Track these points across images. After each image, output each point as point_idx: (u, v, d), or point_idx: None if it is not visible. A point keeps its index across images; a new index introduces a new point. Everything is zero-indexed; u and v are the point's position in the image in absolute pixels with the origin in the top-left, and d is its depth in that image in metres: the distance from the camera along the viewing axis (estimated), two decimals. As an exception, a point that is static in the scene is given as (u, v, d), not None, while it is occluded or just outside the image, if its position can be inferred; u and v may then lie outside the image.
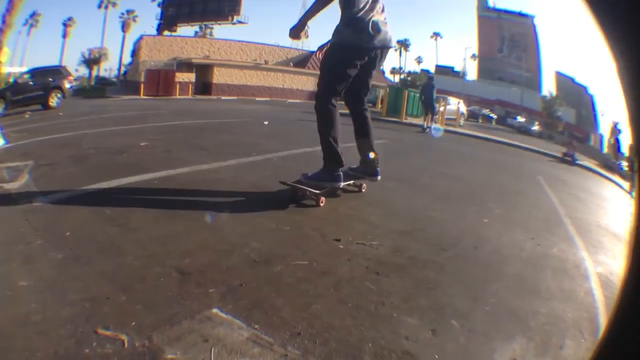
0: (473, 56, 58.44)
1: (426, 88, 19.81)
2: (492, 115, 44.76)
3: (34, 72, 23.62)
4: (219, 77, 49.09)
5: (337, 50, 4.61)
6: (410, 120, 22.12)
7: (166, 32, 60.24)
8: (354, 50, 4.54)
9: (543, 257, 3.52)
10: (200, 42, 55.18)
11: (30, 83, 22.78)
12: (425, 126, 18.74)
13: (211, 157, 6.17)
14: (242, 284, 2.51)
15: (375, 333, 2.07)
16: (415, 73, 75.02)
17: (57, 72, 23.75)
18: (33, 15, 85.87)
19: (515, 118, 43.60)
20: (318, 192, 4.33)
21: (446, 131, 18.86)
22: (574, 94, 49.69)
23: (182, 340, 1.92)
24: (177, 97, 40.52)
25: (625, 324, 0.97)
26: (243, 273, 2.67)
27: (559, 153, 15.51)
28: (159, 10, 78.16)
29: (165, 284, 2.48)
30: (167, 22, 61.66)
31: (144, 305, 2.22)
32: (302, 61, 59.47)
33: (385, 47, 4.70)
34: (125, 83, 53.56)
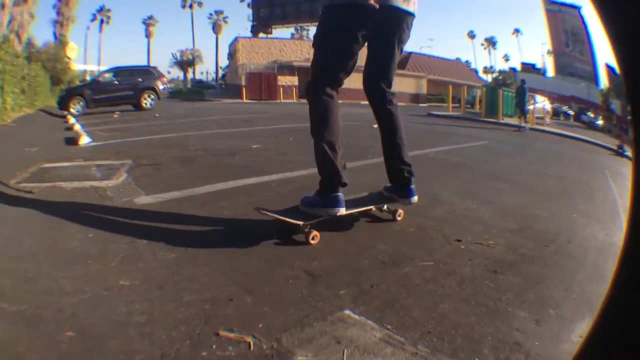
0: (548, 52, 57.50)
1: (519, 92, 22.31)
2: (569, 112, 45.88)
3: (119, 72, 24.49)
4: None
5: (325, 15, 3.74)
6: (506, 120, 23.61)
7: (261, 34, 62.35)
8: (345, 12, 3.66)
9: (610, 246, 3.73)
10: (299, 44, 56.25)
11: (115, 82, 23.95)
12: (520, 125, 20.28)
13: None
14: (373, 285, 2.61)
15: (494, 328, 2.21)
16: (504, 72, 75.85)
17: (148, 72, 24.96)
18: (101, 10, 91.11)
19: (586, 114, 42.99)
20: (301, 223, 3.33)
21: (535, 130, 20.30)
22: (619, 85, 48.02)
23: (314, 342, 1.98)
24: (281, 100, 41.61)
25: (615, 316, 1.02)
26: (373, 274, 2.78)
27: (614, 146, 16.43)
28: (248, 11, 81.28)
29: (295, 286, 2.57)
30: (260, 24, 63.62)
31: (271, 307, 2.29)
32: (401, 62, 59.58)
33: (390, 8, 3.67)
34: (225, 86, 55.66)
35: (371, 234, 3.66)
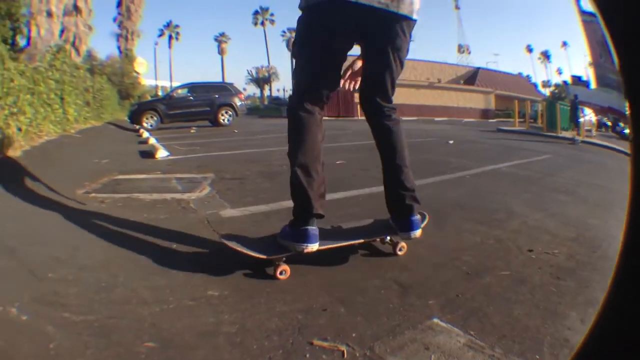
0: (589, 64, 57.33)
1: (572, 105, 24.12)
2: (607, 123, 45.07)
3: (194, 87, 25.19)
4: (397, 97, 50.37)
5: (300, 20, 3.31)
6: (563, 133, 23.65)
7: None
8: (319, 15, 3.21)
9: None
10: None
11: (190, 98, 24.58)
12: (574, 138, 20.41)
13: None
14: (458, 294, 2.72)
15: (553, 328, 2.36)
16: (559, 85, 77.80)
17: (224, 89, 25.46)
18: (169, 25, 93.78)
19: (618, 124, 43.27)
20: (264, 257, 2.96)
21: (585, 142, 20.23)
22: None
23: (405, 349, 2.06)
24: (358, 117, 41.87)
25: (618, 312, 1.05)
26: (458, 284, 2.89)
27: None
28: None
29: (386, 296, 2.62)
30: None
31: (364, 316, 2.34)
32: (470, 78, 59.49)
33: (375, 10, 3.08)
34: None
35: (455, 246, 3.69)
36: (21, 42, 24.56)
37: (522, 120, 31.81)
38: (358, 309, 2.44)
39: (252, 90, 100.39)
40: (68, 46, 17.72)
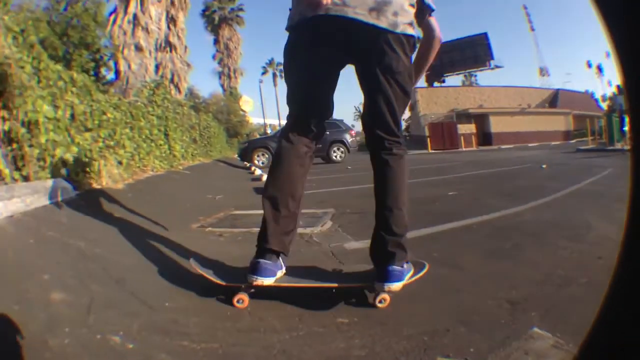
0: None
1: (619, 117, 24.38)
2: None
3: None
4: (496, 125, 50.26)
5: (286, 43, 3.22)
6: (618, 145, 24.22)
7: (435, 83, 62.98)
8: (297, 35, 3.15)
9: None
10: (471, 91, 57.89)
11: None
12: (624, 148, 21.10)
13: (514, 202, 6.80)
14: (554, 305, 2.93)
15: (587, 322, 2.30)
16: (610, 97, 74.50)
17: (335, 125, 25.71)
18: (270, 63, 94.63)
19: None
20: (222, 283, 3.06)
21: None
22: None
23: (510, 357, 2.25)
24: (463, 149, 41.41)
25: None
26: (552, 296, 3.10)
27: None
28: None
29: (498, 313, 2.78)
30: (434, 73, 64.15)
31: (480, 333, 2.50)
32: (553, 100, 57.94)
33: (353, 22, 2.90)
34: (410, 137, 56.47)
35: (552, 262, 3.86)
36: (107, 75, 25.49)
37: (593, 138, 32.16)
38: (476, 327, 2.59)
39: (360, 126, 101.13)
40: (166, 82, 18.28)
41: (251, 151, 24.71)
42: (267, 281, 2.97)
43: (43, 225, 3.65)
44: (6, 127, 4.58)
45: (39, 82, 5.27)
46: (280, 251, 3.06)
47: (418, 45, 3.29)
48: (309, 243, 4.47)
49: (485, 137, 48.36)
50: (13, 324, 2.20)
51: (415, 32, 3.08)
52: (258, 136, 37.21)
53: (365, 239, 4.14)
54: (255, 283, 2.94)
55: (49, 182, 4.51)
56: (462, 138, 46.41)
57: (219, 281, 3.04)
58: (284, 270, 3.14)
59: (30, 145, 4.83)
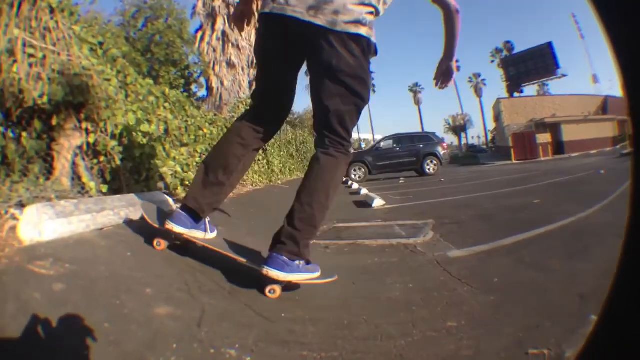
0: None
1: None
2: None
3: (400, 139, 25.74)
4: (567, 134, 48.77)
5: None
6: None
7: (515, 93, 61.53)
8: (261, 26, 3.16)
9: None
10: (544, 100, 56.54)
11: (397, 149, 24.79)
12: None
13: (584, 206, 6.57)
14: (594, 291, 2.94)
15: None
16: None
17: (428, 138, 25.64)
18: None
19: None
20: (155, 225, 3.33)
21: None
22: None
23: (577, 343, 2.24)
24: (542, 158, 40.34)
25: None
26: (605, 286, 3.04)
27: None
28: (498, 70, 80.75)
29: (573, 308, 2.77)
30: (513, 83, 62.78)
31: (560, 325, 2.53)
32: (604, 107, 55.35)
33: (290, 20, 2.91)
34: (495, 149, 55.48)
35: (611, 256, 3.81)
36: (197, 92, 25.37)
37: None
38: (557, 320, 2.60)
39: (450, 138, 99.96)
40: None
41: (349, 165, 24.16)
42: (177, 229, 3.22)
43: (142, 239, 3.47)
44: (91, 140, 4.37)
45: (127, 96, 5.20)
46: (193, 209, 3.24)
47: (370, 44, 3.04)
48: (414, 253, 4.46)
49: (558, 146, 46.83)
50: (102, 343, 2.08)
51: (367, 32, 2.93)
52: (352, 151, 37.34)
53: (466, 246, 4.39)
54: (166, 227, 3.21)
55: (147, 195, 4.38)
56: (540, 148, 45.11)
57: (151, 222, 3.35)
58: (209, 234, 3.42)
59: (123, 159, 4.78)
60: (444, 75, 3.57)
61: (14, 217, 2.92)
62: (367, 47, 2.97)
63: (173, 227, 3.22)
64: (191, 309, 2.62)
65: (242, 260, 3.21)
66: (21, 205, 3.12)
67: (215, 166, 3.26)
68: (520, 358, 2.23)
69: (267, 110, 3.33)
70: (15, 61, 3.61)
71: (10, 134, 3.65)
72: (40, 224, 2.79)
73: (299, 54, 3.20)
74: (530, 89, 70.05)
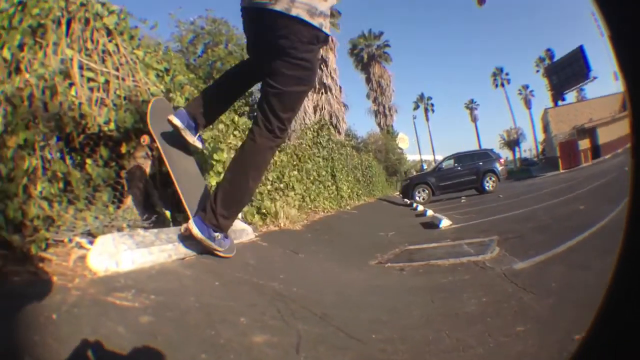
0: None
1: None
2: None
3: (460, 157, 25.68)
4: (602, 137, 47.01)
5: None
6: None
7: (559, 102, 60.58)
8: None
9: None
10: (583, 106, 55.03)
11: (458, 168, 24.77)
12: None
13: (616, 205, 6.54)
14: None
15: None
16: None
17: (486, 155, 25.57)
18: (422, 98, 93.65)
19: None
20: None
21: None
22: None
23: None
24: (583, 165, 39.69)
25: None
26: None
27: None
28: (542, 80, 79.79)
29: None
30: (556, 92, 61.86)
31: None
32: (623, 104, 53.37)
33: (253, 8, 3.36)
34: (546, 160, 54.72)
35: None
36: None
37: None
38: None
39: (505, 153, 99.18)
40: (327, 124, 17.97)
41: (412, 187, 24.77)
42: (175, 120, 3.74)
43: (227, 267, 3.63)
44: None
45: (196, 124, 5.26)
46: (192, 114, 3.86)
47: None
48: (484, 269, 4.55)
49: (595, 150, 45.75)
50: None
51: (317, 22, 3.27)
52: (415, 173, 37.29)
53: (528, 258, 4.55)
54: (168, 118, 3.74)
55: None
56: (582, 154, 44.27)
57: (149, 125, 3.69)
58: (198, 144, 4.02)
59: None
60: None
61: (80, 246, 2.92)
62: (314, 38, 3.39)
63: (172, 118, 3.70)
64: (287, 335, 2.66)
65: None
66: (88, 234, 3.11)
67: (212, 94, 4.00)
68: (571, 345, 2.31)
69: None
70: (72, 84, 3.56)
71: (68, 160, 3.56)
72: (118, 254, 2.78)
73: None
74: (571, 96, 69.19)
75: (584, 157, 43.60)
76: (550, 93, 67.81)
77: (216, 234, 3.55)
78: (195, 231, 3.37)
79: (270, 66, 3.42)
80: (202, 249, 3.61)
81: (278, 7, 3.15)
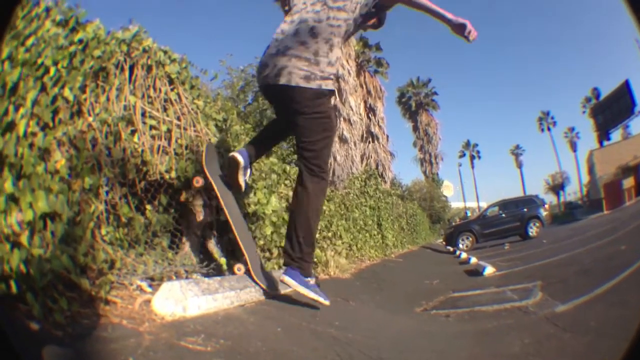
0: None
1: None
2: None
3: (504, 204, 25.75)
4: None
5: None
6: None
7: (604, 142, 59.38)
8: None
9: None
10: (628, 143, 53.33)
11: (502, 215, 24.60)
12: None
13: None
14: None
15: None
16: None
17: (531, 202, 25.52)
18: (468, 145, 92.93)
19: None
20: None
21: None
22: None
23: None
24: (627, 204, 38.93)
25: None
26: None
27: None
28: (588, 121, 78.46)
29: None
30: (602, 131, 60.86)
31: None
32: None
33: (267, 86, 4.04)
34: (589, 203, 53.74)
35: None
36: None
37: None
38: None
39: (550, 198, 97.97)
40: (374, 172, 17.94)
41: (457, 235, 24.93)
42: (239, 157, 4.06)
43: (286, 314, 3.76)
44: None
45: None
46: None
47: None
48: (527, 313, 4.63)
49: (639, 187, 44.50)
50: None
51: (315, 84, 3.84)
52: (459, 221, 37.21)
53: (570, 301, 4.64)
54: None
55: (280, 272, 4.36)
56: (626, 193, 43.21)
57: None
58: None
59: (254, 237, 4.92)
60: (459, 30, 3.83)
61: (141, 290, 2.99)
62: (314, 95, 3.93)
63: (237, 155, 4.05)
64: None
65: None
66: (148, 279, 3.18)
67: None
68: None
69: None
70: (134, 130, 3.66)
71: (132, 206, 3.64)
72: (185, 300, 2.85)
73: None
74: (616, 134, 67.80)
75: (628, 196, 42.63)
76: (596, 134, 66.77)
77: (307, 279, 3.93)
78: (290, 281, 3.79)
79: (294, 124, 4.01)
80: (267, 295, 3.94)
81: (281, 81, 3.83)
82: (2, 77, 2.41)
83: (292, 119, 4.00)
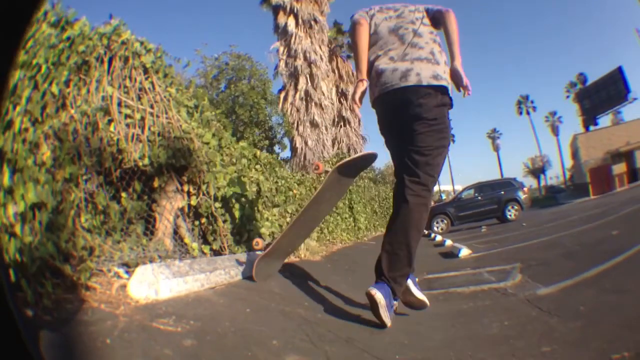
0: None
1: None
2: None
3: (480, 187, 25.87)
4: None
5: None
6: None
7: (590, 127, 59.86)
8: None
9: None
10: (619, 129, 54.21)
11: (479, 198, 24.80)
12: None
13: None
14: None
15: None
16: None
17: (508, 184, 25.63)
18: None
19: None
20: None
21: None
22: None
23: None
24: (618, 189, 39.28)
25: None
26: None
27: None
28: (572, 105, 78.54)
29: None
30: (588, 116, 61.33)
31: (633, 331, 2.85)
32: None
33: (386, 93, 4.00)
34: (574, 187, 54.16)
35: None
36: (281, 151, 24.95)
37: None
38: (637, 329, 2.89)
39: (529, 181, 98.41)
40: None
41: (431, 218, 24.42)
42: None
43: (255, 295, 3.87)
44: (193, 202, 4.64)
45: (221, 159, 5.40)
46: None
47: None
48: (505, 295, 4.69)
49: (633, 174, 45.07)
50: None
51: (444, 83, 3.91)
52: (433, 203, 37.48)
53: (553, 283, 4.66)
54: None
55: (252, 255, 4.65)
56: (616, 179, 43.77)
57: None
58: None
59: (225, 221, 5.01)
60: (458, 79, 3.99)
61: (118, 276, 3.16)
62: (427, 94, 3.95)
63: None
64: (317, 356, 2.86)
65: None
66: (123, 265, 3.36)
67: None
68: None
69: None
70: (110, 120, 3.81)
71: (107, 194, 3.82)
72: (157, 283, 3.03)
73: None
74: (605, 120, 68.16)
75: (619, 182, 43.04)
76: (582, 118, 67.00)
77: (395, 302, 3.92)
78: (379, 297, 3.58)
79: (411, 132, 3.94)
80: (237, 278, 4.09)
81: (410, 82, 3.83)
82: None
83: (410, 126, 3.94)
